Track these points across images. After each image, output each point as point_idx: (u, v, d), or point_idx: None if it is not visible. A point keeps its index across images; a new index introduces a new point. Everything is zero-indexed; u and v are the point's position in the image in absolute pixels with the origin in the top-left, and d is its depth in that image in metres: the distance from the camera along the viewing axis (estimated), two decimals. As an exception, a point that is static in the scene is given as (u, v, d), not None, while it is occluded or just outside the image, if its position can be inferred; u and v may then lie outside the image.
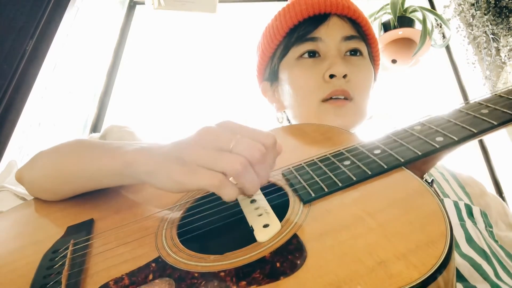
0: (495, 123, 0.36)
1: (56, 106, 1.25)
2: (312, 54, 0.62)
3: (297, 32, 0.62)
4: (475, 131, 0.36)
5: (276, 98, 0.69)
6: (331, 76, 0.59)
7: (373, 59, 0.69)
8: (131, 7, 1.76)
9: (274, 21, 0.68)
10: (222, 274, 0.29)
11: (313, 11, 0.62)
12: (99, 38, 1.52)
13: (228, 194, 0.33)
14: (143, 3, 1.74)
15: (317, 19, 0.62)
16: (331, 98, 0.59)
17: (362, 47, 0.64)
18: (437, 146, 0.36)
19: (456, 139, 0.36)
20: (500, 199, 0.60)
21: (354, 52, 0.63)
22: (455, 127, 0.37)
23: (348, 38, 0.62)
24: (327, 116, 0.58)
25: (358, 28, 0.65)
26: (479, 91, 1.36)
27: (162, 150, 0.36)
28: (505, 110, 0.36)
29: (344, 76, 0.59)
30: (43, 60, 1.13)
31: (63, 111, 1.29)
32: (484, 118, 0.37)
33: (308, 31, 0.62)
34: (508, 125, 0.35)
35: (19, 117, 1.04)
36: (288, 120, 0.72)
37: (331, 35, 0.61)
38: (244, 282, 0.28)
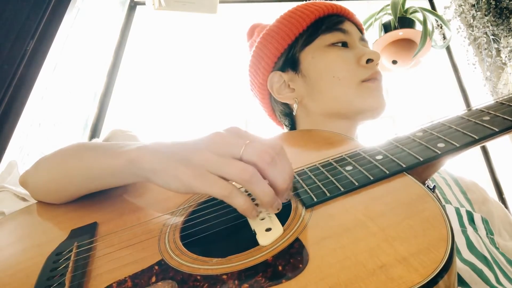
0: (497, 129, 0.36)
1: (57, 106, 1.25)
2: (342, 44, 0.66)
3: (326, 23, 0.66)
4: (477, 137, 0.36)
5: (290, 88, 0.67)
6: (368, 61, 0.62)
7: None
8: (132, 8, 1.76)
9: (292, 13, 0.68)
10: (225, 277, 0.29)
11: (336, 10, 0.68)
12: (99, 38, 1.52)
13: (239, 203, 0.33)
14: (143, 4, 1.74)
15: (340, 18, 0.67)
16: (368, 80, 0.62)
17: None
18: (439, 152, 0.36)
19: (457, 145, 0.36)
20: (503, 206, 0.60)
21: None
22: (457, 134, 0.38)
23: (362, 39, 0.69)
24: (368, 94, 0.61)
25: (362, 34, 0.71)
26: (480, 92, 1.37)
27: (167, 149, 0.36)
28: (506, 117, 0.37)
29: (377, 64, 0.64)
30: (43, 60, 1.13)
31: (63, 111, 1.29)
32: (486, 124, 0.37)
33: (338, 22, 0.66)
34: (510, 132, 0.35)
35: (20, 117, 1.04)
36: (292, 115, 0.70)
37: (354, 32, 0.67)
38: (246, 285, 0.28)
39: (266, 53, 0.69)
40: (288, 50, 0.67)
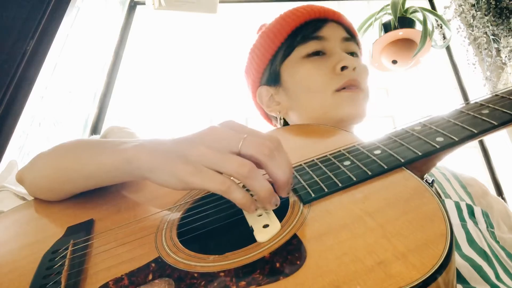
0: (496, 123, 0.35)
1: (56, 106, 1.25)
2: (317, 53, 0.64)
3: (302, 32, 0.65)
4: (476, 131, 0.36)
5: (276, 102, 0.69)
6: (343, 68, 0.61)
7: None
8: (132, 7, 1.76)
9: (272, 26, 0.69)
10: (222, 274, 0.29)
11: (314, 15, 0.66)
12: (99, 38, 1.52)
13: (237, 198, 0.33)
14: (143, 3, 1.74)
15: (318, 23, 0.66)
16: (343, 88, 0.61)
17: (357, 50, 0.69)
18: (437, 146, 0.36)
19: (456, 139, 0.36)
20: (503, 201, 0.60)
21: (352, 54, 0.67)
22: (455, 127, 0.37)
23: (347, 39, 0.67)
24: (343, 103, 0.60)
25: (350, 33, 0.69)
26: (480, 92, 1.36)
27: (164, 147, 0.36)
28: (505, 110, 0.36)
29: (354, 69, 0.62)
30: (43, 60, 1.13)
31: (63, 111, 1.29)
32: (485, 118, 0.37)
33: (313, 30, 0.65)
34: (509, 126, 0.35)
35: (19, 117, 1.04)
36: (285, 124, 0.71)
37: (334, 36, 0.65)
38: (243, 282, 0.28)
39: (252, 70, 0.72)
40: (270, 65, 0.69)
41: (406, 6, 1.38)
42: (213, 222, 0.38)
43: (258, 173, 0.32)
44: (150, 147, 0.37)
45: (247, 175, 0.32)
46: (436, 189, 0.54)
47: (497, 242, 0.47)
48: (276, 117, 0.71)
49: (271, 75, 0.68)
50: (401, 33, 1.34)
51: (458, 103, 1.52)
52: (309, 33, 0.65)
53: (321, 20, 0.66)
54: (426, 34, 1.26)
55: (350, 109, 0.60)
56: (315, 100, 0.62)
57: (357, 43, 0.71)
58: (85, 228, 0.40)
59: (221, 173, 0.33)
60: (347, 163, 0.38)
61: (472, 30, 1.38)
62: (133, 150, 0.37)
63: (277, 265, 0.28)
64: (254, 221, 0.34)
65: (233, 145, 0.33)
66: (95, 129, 1.44)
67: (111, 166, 0.39)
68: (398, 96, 1.50)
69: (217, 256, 0.32)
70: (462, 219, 0.47)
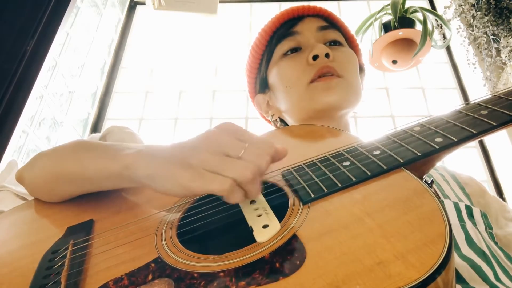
0: (495, 123, 0.35)
1: (56, 106, 1.25)
2: (294, 50, 0.65)
3: (277, 34, 0.67)
4: (475, 132, 0.36)
5: (270, 106, 0.70)
6: (314, 57, 0.61)
7: (353, 49, 0.71)
8: (132, 7, 1.76)
9: (255, 38, 0.72)
10: (222, 274, 0.29)
11: (287, 16, 0.67)
12: (99, 38, 1.52)
13: (235, 198, 0.33)
14: (143, 3, 1.75)
15: (293, 21, 0.67)
16: (318, 77, 0.60)
17: (340, 38, 0.68)
18: (437, 147, 0.36)
19: (455, 140, 0.36)
20: (500, 199, 0.60)
21: (334, 42, 0.66)
22: (455, 128, 0.37)
23: (323, 28, 0.66)
24: (317, 94, 0.59)
25: (331, 22, 0.69)
26: (480, 92, 1.36)
27: (163, 153, 0.36)
28: (504, 111, 0.36)
29: (327, 56, 0.61)
30: (43, 60, 1.13)
31: (63, 111, 1.29)
32: (484, 119, 0.37)
33: (286, 29, 0.66)
34: (508, 126, 0.35)
35: (19, 117, 1.05)
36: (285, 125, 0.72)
37: (308, 28, 0.66)
38: (243, 282, 0.28)
39: (247, 80, 0.74)
40: (258, 73, 0.71)
41: (406, 6, 1.38)
42: (213, 223, 0.38)
43: (258, 178, 0.33)
44: (149, 154, 0.37)
45: (251, 180, 0.32)
46: (435, 189, 0.54)
47: (496, 243, 0.47)
48: (274, 120, 0.72)
49: (261, 82, 0.70)
50: (401, 33, 1.34)
51: (458, 103, 1.53)
52: (283, 32, 0.66)
53: (297, 18, 0.67)
54: (426, 34, 1.26)
55: (325, 98, 0.58)
56: (293, 95, 0.62)
57: (342, 31, 0.69)
58: (85, 229, 0.40)
59: None
60: (346, 163, 0.38)
61: (472, 30, 1.38)
62: (132, 156, 0.37)
63: (277, 265, 0.29)
64: (254, 221, 0.34)
65: (235, 152, 0.33)
66: (95, 129, 1.44)
67: (109, 171, 0.39)
68: (398, 96, 1.50)
69: (217, 256, 0.32)
70: (461, 219, 0.47)
